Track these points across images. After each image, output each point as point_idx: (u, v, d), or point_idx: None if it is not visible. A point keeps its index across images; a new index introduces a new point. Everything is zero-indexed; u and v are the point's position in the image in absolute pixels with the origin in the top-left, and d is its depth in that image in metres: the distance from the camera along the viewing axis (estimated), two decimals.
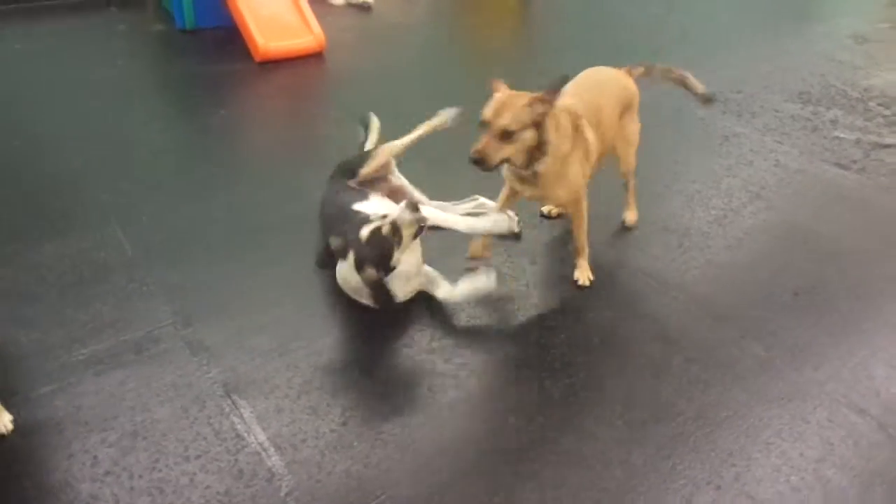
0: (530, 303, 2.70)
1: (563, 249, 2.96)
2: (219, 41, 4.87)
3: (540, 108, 2.32)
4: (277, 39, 4.62)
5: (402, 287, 2.53)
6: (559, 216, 3.13)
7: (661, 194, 3.36)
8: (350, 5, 5.85)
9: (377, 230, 2.37)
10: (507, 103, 2.33)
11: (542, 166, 2.42)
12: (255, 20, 4.61)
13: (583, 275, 2.77)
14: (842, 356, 2.47)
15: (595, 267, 2.81)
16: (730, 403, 2.26)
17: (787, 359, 2.45)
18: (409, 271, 2.54)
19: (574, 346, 2.49)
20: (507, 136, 2.32)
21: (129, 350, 2.35)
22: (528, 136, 2.34)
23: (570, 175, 2.53)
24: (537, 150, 2.39)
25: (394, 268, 2.42)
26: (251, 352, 2.38)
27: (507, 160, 2.39)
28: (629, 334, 2.55)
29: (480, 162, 2.33)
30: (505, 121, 2.30)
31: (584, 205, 2.69)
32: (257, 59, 4.58)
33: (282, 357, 2.37)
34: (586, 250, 2.78)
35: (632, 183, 3.08)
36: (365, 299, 2.53)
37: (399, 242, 2.39)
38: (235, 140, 3.85)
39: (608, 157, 2.88)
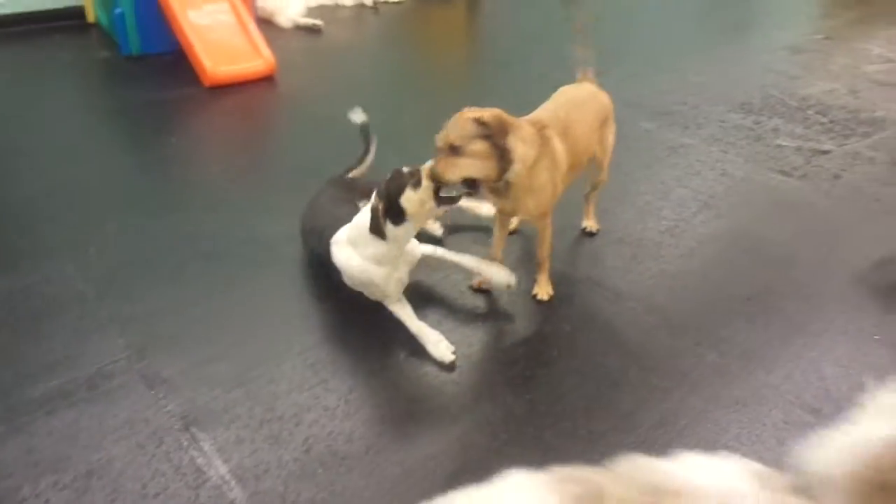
0: (490, 319, 2.71)
1: (522, 265, 2.99)
2: (166, 67, 4.81)
3: (487, 118, 2.35)
4: (226, 64, 4.58)
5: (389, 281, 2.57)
6: (515, 231, 3.17)
7: (613, 207, 3.43)
8: (299, 28, 5.84)
9: (399, 170, 2.45)
10: (454, 121, 2.37)
11: (512, 175, 2.45)
12: (203, 44, 4.57)
13: (542, 290, 2.80)
14: (793, 358, 2.54)
15: (552, 280, 2.84)
16: (688, 411, 2.31)
17: (741, 364, 2.52)
18: (402, 278, 2.61)
19: (534, 361, 2.51)
20: (455, 150, 2.34)
21: (82, 387, 2.29)
22: (479, 147, 2.35)
23: (537, 186, 2.56)
24: (503, 161, 2.41)
25: (402, 214, 2.42)
26: (209, 382, 2.34)
27: (471, 177, 2.40)
28: (587, 346, 2.59)
29: (437, 179, 2.36)
30: (451, 136, 2.34)
31: (549, 220, 2.73)
32: (206, 83, 4.53)
33: (241, 386, 2.34)
34: (547, 265, 2.81)
35: (597, 192, 3.16)
36: (372, 294, 2.59)
37: (416, 185, 2.40)
38: (186, 166, 3.80)
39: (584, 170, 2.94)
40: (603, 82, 3.02)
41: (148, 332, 2.54)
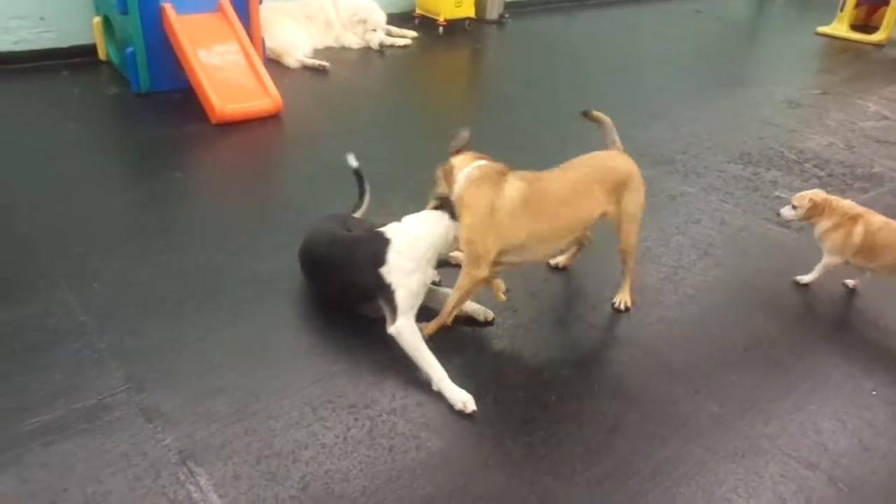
0: (488, 363, 2.72)
1: (520, 308, 3.01)
2: (175, 104, 4.89)
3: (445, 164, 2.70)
4: (234, 102, 4.66)
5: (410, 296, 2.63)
6: (564, 268, 3.29)
7: (613, 252, 3.46)
8: (306, 68, 5.95)
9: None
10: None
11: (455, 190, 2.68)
12: (211, 83, 4.66)
13: (428, 329, 2.73)
14: (790, 411, 2.55)
15: (549, 322, 2.86)
16: (686, 459, 2.31)
17: (739, 414, 2.52)
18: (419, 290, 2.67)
19: (532, 403, 2.51)
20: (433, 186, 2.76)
21: (80, 419, 2.29)
22: (443, 188, 2.72)
23: (465, 223, 2.62)
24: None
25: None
26: (208, 417, 2.34)
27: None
28: (585, 391, 2.59)
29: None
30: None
31: (474, 273, 2.59)
32: (214, 121, 4.61)
33: (240, 421, 2.33)
34: (443, 322, 2.73)
35: (630, 264, 3.03)
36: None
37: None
38: (191, 202, 3.84)
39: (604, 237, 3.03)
40: None
41: (147, 365, 2.54)
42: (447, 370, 2.54)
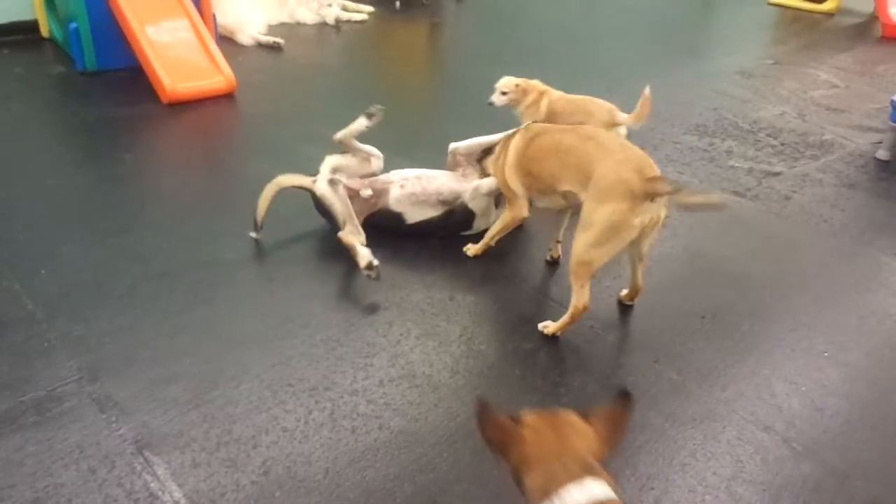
0: (451, 338, 2.71)
1: (478, 286, 3.01)
2: (123, 83, 4.73)
3: None
4: (185, 80, 4.53)
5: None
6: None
7: (571, 227, 3.47)
8: (260, 45, 5.81)
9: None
10: None
11: None
12: (161, 60, 4.51)
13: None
14: (746, 376, 2.60)
15: (512, 296, 2.86)
16: (647, 428, 2.33)
17: (697, 381, 2.56)
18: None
19: (494, 378, 2.52)
20: None
21: (29, 411, 2.22)
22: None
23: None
24: None
25: None
26: (164, 404, 2.29)
27: None
28: (548, 364, 2.60)
29: None
30: None
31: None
32: (165, 100, 4.47)
33: (197, 408, 2.29)
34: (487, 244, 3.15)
35: (572, 278, 2.65)
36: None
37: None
38: (142, 185, 3.73)
39: None
40: None
41: (100, 354, 2.48)
42: (408, 347, 2.51)
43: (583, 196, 2.60)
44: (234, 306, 2.78)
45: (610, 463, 2.15)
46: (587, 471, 1.35)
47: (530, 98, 3.70)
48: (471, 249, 3.16)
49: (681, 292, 3.08)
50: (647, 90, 3.54)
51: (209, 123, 4.47)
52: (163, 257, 3.02)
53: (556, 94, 3.75)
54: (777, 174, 4.15)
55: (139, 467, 2.07)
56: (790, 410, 2.45)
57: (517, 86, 3.68)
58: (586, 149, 2.63)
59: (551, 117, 3.64)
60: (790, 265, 3.33)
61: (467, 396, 2.43)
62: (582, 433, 1.44)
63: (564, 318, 2.68)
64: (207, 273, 2.94)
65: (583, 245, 2.55)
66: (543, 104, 3.69)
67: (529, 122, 3.20)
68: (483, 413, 1.45)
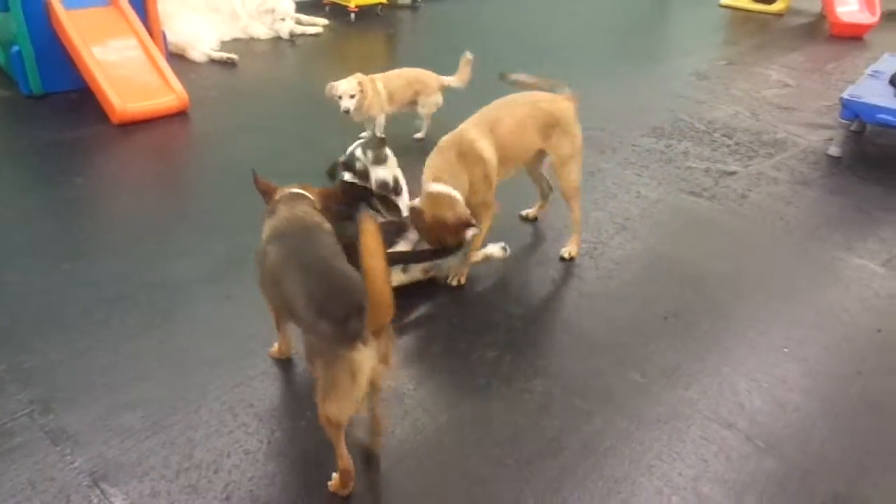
0: (411, 351, 2.69)
1: (441, 296, 2.99)
2: (71, 105, 4.62)
3: None
4: (136, 100, 4.44)
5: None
6: (535, 219, 3.55)
7: (532, 231, 3.48)
8: (213, 61, 5.74)
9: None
10: None
11: None
12: (110, 81, 4.42)
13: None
14: (708, 374, 2.62)
15: (473, 305, 2.85)
16: (612, 432, 2.34)
17: (661, 382, 2.57)
18: None
19: (458, 388, 2.50)
20: None
21: None
22: None
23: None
24: None
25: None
26: (121, 433, 2.22)
27: None
28: (511, 371, 2.59)
29: None
30: None
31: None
32: (115, 121, 4.38)
33: (156, 435, 2.23)
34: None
35: (574, 207, 3.24)
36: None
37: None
38: (93, 208, 3.64)
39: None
40: None
41: (52, 384, 2.40)
42: None
43: (545, 144, 3.06)
44: (191, 327, 2.72)
45: (577, 469, 2.16)
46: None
47: (370, 89, 3.99)
48: (454, 281, 3.04)
49: (642, 294, 3.09)
50: (468, 54, 4.27)
51: (161, 143, 4.39)
52: (116, 281, 2.95)
53: (382, 75, 4.18)
54: (733, 173, 4.22)
55: (95, 500, 2.00)
56: (752, 407, 2.47)
57: (359, 83, 3.94)
58: (528, 111, 3.03)
59: (392, 95, 4.16)
60: (748, 263, 3.38)
61: (433, 408, 2.41)
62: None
63: (577, 235, 3.26)
64: (163, 294, 2.87)
65: (572, 175, 3.16)
66: (380, 88, 4.07)
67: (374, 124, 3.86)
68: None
